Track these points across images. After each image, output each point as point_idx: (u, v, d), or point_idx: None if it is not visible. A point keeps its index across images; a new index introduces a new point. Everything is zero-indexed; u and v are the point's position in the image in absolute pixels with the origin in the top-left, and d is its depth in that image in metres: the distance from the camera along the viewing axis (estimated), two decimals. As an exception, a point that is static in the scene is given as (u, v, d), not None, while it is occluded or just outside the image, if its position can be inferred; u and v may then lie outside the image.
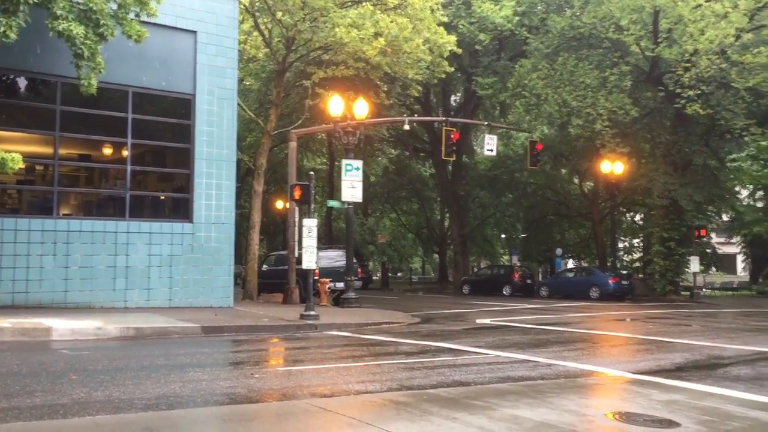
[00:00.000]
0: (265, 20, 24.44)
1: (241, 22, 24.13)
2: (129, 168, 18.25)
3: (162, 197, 20.02)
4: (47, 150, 17.43)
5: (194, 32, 19.18)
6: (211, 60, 19.41)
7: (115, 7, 14.53)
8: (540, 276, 47.19)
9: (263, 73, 29.68)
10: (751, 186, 45.24)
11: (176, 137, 19.36)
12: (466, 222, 44.16)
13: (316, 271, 19.41)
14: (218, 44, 19.54)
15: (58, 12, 13.22)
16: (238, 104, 22.00)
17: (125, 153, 18.29)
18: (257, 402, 7.32)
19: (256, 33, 25.75)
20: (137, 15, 14.98)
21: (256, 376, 8.92)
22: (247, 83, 31.07)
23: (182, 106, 19.15)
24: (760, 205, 46.40)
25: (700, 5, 26.08)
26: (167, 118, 19.30)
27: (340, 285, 23.19)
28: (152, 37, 16.05)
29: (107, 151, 19.11)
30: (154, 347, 11.73)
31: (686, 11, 26.04)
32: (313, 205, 18.21)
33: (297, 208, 22.44)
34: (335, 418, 6.53)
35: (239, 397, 7.48)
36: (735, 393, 8.15)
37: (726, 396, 7.97)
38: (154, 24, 16.49)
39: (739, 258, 57.63)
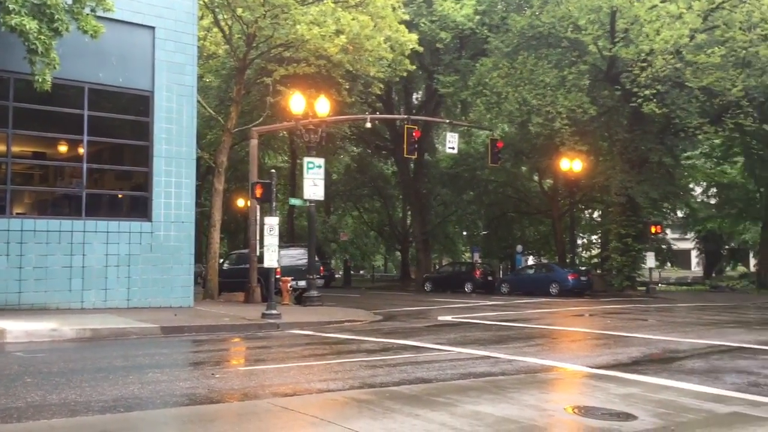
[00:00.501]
0: (225, 16, 24.18)
1: (201, 18, 23.83)
2: (85, 166, 17.90)
3: (120, 196, 19.69)
4: (0, 148, 17.00)
5: (152, 28, 18.88)
6: (170, 56, 19.13)
7: (70, 1, 14.23)
8: (501, 273, 47.66)
9: (223, 70, 29.38)
10: (704, 183, 46.42)
11: (134, 135, 19.05)
12: (428, 219, 44.37)
13: (278, 269, 19.29)
14: (177, 40, 19.27)
15: (11, 6, 12.88)
16: (198, 101, 21.74)
17: (81, 151, 17.93)
18: (218, 402, 7.24)
19: (216, 29, 25.49)
20: (93, 10, 14.69)
21: (217, 376, 8.83)
22: (207, 80, 30.70)
23: (140, 103, 18.84)
24: (713, 201, 47.59)
25: (655, 6, 26.63)
26: (125, 115, 18.97)
27: (302, 283, 23.08)
28: (109, 33, 15.77)
29: (62, 148, 18.70)
30: (112, 348, 11.53)
31: (642, 12, 26.56)
32: (274, 204, 18.09)
33: (258, 207, 22.25)
34: (297, 418, 6.51)
35: (200, 397, 7.40)
36: (690, 386, 8.35)
37: (681, 389, 8.16)
38: (111, 19, 16.21)
39: (693, 253, 59.07)
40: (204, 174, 37.36)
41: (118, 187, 19.77)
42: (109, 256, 17.74)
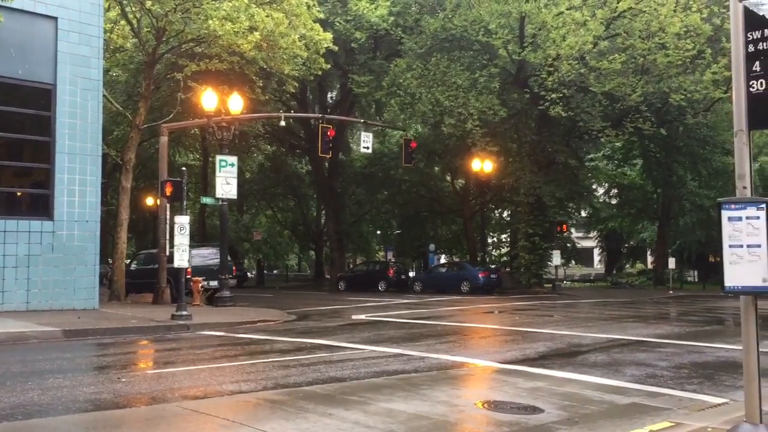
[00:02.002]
0: (134, 9, 23.39)
1: (107, 9, 22.96)
2: (-20, 162, 16.95)
3: (18, 193, 18.72)
4: None
5: (55, 18, 18.08)
6: (74, 48, 18.36)
7: (-37, -13, 13.44)
8: (414, 271, 48.25)
9: (131, 64, 28.40)
10: (606, 184, 48.54)
11: (35, 130, 18.16)
12: (342, 219, 44.39)
13: (189, 269, 18.86)
14: (82, 32, 18.51)
15: None
16: (104, 96, 20.96)
17: (-24, 145, 16.97)
18: (124, 407, 7.02)
19: (123, 22, 24.60)
20: (-11, -3, 13.93)
21: (124, 380, 8.56)
22: (114, 74, 29.62)
23: (41, 97, 17.99)
24: (614, 202, 49.80)
25: (562, 13, 27.61)
26: (24, 109, 18.06)
27: (214, 283, 22.64)
28: (8, 22, 15.02)
29: (-45, 143, 17.65)
30: (10, 354, 10.96)
31: (549, 18, 27.50)
32: (185, 202, 17.68)
33: (168, 205, 21.68)
34: (208, 420, 6.40)
35: (105, 402, 7.15)
36: (593, 378, 8.73)
37: (585, 381, 8.52)
38: (10, 8, 15.41)
39: (596, 251, 61.63)
40: (110, 171, 36.02)
41: (17, 185, 18.80)
42: (6, 256, 16.85)
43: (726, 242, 5.50)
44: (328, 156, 30.69)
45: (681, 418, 6.47)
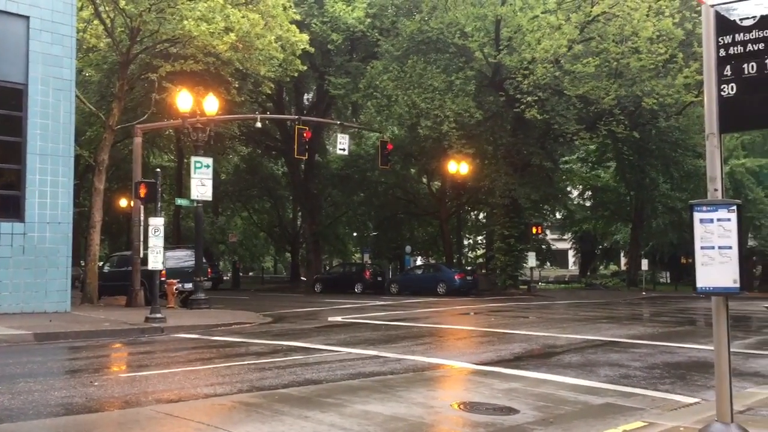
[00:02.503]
0: (107, 8, 23.12)
1: (80, 9, 22.66)
2: (-51, 162, 16.63)
3: (-12, 194, 18.40)
4: None
5: (27, 17, 17.81)
6: (46, 48, 18.11)
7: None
8: (390, 273, 48.28)
9: (105, 64, 28.06)
10: (580, 186, 48.98)
11: (5, 130, 17.84)
12: (318, 220, 44.27)
13: (163, 271, 18.68)
14: (54, 31, 18.27)
15: None
16: (77, 96, 20.69)
17: (-56, 146, 16.65)
18: (97, 411, 6.93)
19: (96, 21, 24.29)
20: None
21: (96, 384, 8.45)
22: (87, 74, 29.25)
23: (12, 97, 17.70)
24: (588, 204, 50.28)
25: (537, 16, 27.84)
26: (-6, 109, 17.77)
27: (189, 286, 22.46)
28: (-24, 20, 14.73)
29: None
30: (-21, 358, 10.77)
31: (524, 21, 27.70)
32: (159, 204, 17.51)
33: (142, 207, 21.47)
34: (182, 424, 6.34)
35: (77, 407, 7.05)
36: (567, 379, 8.80)
37: (559, 382, 8.59)
38: (-21, 6, 15.15)
39: (571, 253, 62.15)
40: (83, 173, 35.58)
41: (-13, 186, 18.49)
42: (-25, 259, 16.56)
43: (698, 244, 5.58)
44: (304, 158, 30.64)
45: (654, 417, 6.55)
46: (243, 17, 21.60)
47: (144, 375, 9.18)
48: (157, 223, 16.68)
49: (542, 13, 27.84)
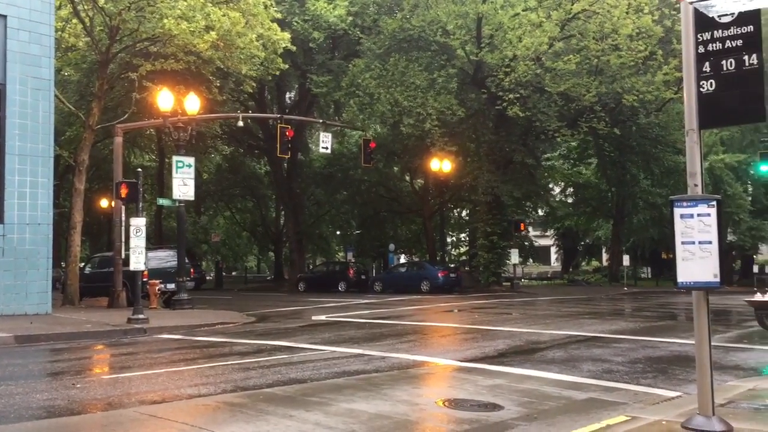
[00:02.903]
0: (86, 7, 22.90)
1: (59, 8, 22.43)
2: (-75, 163, 16.39)
3: (-34, 196, 18.16)
4: None
5: (4, 16, 17.61)
6: (24, 47, 17.90)
7: None
8: (374, 271, 48.29)
9: (84, 63, 27.78)
10: (562, 183, 49.29)
11: (-17, 130, 17.64)
12: (301, 219, 44.17)
13: (145, 272, 18.55)
14: (32, 30, 18.06)
15: None
16: (56, 96, 20.48)
17: None
18: (80, 414, 6.87)
19: (75, 20, 24.05)
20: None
21: (78, 386, 8.37)
22: (66, 73, 28.93)
23: (-10, 97, 17.49)
24: (570, 200, 50.59)
25: (518, 14, 27.95)
26: (-28, 109, 17.55)
27: (172, 286, 22.33)
28: (-48, 19, 14.52)
29: None
30: (-41, 361, 10.63)
31: (506, 19, 27.80)
32: (141, 204, 17.38)
33: (123, 207, 21.30)
34: (166, 425, 6.30)
35: (59, 409, 6.99)
36: (551, 375, 8.85)
37: (543, 378, 8.64)
38: (-45, 4, 14.94)
39: (553, 250, 62.56)
40: (63, 173, 35.22)
41: (-35, 187, 18.25)
42: (-46, 261, 16.36)
43: (678, 239, 5.63)
44: (286, 156, 30.53)
45: (637, 411, 6.61)
46: (224, 16, 21.48)
47: (127, 376, 9.11)
48: (139, 223, 16.56)
49: (523, 10, 27.95)
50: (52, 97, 18.78)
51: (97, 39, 23.27)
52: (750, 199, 41.42)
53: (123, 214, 21.48)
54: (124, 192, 17.29)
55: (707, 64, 5.68)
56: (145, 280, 19.07)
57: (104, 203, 40.44)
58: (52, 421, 6.54)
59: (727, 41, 5.61)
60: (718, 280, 5.51)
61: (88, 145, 23.29)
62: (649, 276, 51.66)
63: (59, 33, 22.93)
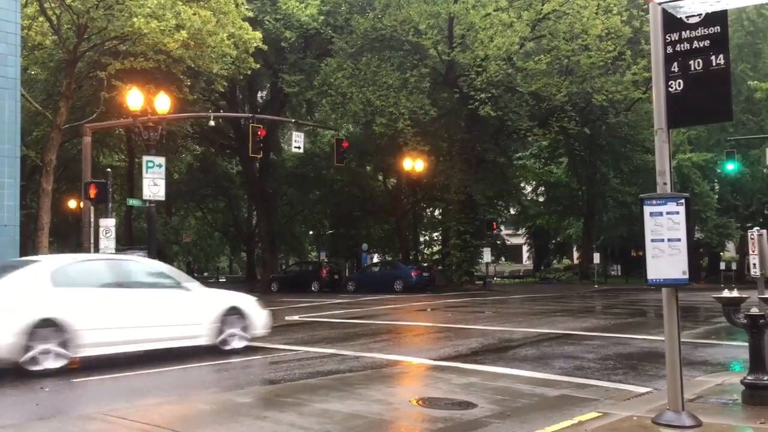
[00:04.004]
0: (53, 5, 22.53)
1: (24, 5, 22.03)
2: None
3: (-71, 197, 17.75)
4: None
5: (-33, 13, 17.21)
6: (-11, 45, 17.52)
7: None
8: (347, 271, 48.23)
9: (51, 62, 27.33)
10: (534, 182, 49.70)
11: (-54, 130, 17.25)
12: (274, 219, 43.94)
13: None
14: (-3, 28, 17.68)
15: None
16: (23, 95, 20.10)
17: None
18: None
19: (42, 18, 23.67)
20: None
21: (47, 389, 8.23)
22: (33, 72, 28.44)
23: (-47, 95, 17.10)
24: (541, 199, 51.02)
25: (489, 14, 28.12)
26: (-66, 108, 17.14)
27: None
28: None
29: None
30: None
31: (477, 19, 27.96)
32: (110, 204, 17.17)
33: (93, 208, 20.98)
34: (138, 428, 6.22)
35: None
36: (523, 372, 8.92)
37: (516, 375, 8.70)
38: None
39: (525, 248, 63.00)
40: (30, 174, 34.50)
41: (-72, 188, 17.82)
42: None
43: (648, 237, 5.71)
44: (258, 156, 30.32)
45: (608, 408, 6.68)
46: (194, 14, 21.30)
47: (85, 381, 8.93)
48: (108, 224, 16.36)
49: (494, 11, 28.13)
50: (18, 96, 18.41)
51: (64, 37, 22.91)
52: (716, 197, 42.14)
53: (92, 215, 21.16)
54: (93, 192, 17.08)
55: (675, 64, 5.76)
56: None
57: (73, 204, 39.83)
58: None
59: (695, 41, 5.70)
60: (687, 277, 5.59)
61: (55, 145, 22.94)
62: (619, 273, 52.29)
63: (25, 31, 22.52)
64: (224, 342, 11.04)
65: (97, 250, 17.70)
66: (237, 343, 11.21)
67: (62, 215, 42.35)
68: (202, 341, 10.74)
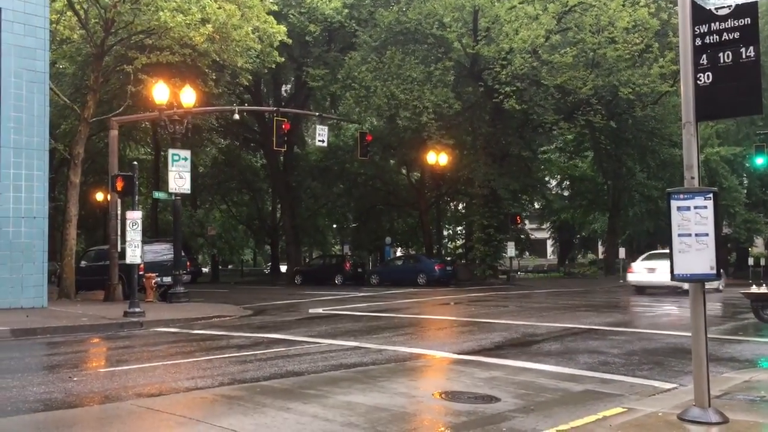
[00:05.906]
0: (81, -1, 22.80)
1: (53, 0, 22.32)
2: None
3: (-39, 189, 18.11)
4: None
5: (-2, 9, 17.51)
6: (19, 40, 17.81)
7: None
8: (370, 265, 48.31)
9: (79, 56, 27.65)
10: (558, 176, 49.32)
11: (-22, 123, 17.58)
12: (297, 213, 44.14)
13: (141, 265, 18.53)
14: (26, 23, 17.98)
15: None
16: (51, 89, 20.39)
17: None
18: (76, 407, 6.87)
19: (70, 12, 23.95)
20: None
21: (75, 379, 8.37)
22: (61, 66, 28.81)
23: (-16, 90, 17.41)
24: (566, 193, 50.63)
25: (514, 6, 27.91)
26: (-34, 102, 17.47)
27: (168, 279, 22.30)
28: (-54, 11, 14.44)
29: None
30: (-45, 355, 10.62)
31: (502, 11, 27.77)
32: (137, 197, 17.36)
33: (119, 201, 21.26)
34: (163, 418, 6.30)
35: (56, 402, 6.99)
36: (547, 367, 8.87)
37: (539, 370, 8.66)
38: (-51, -3, 14.86)
39: (549, 242, 62.62)
40: (58, 166, 35.09)
41: (-40, 180, 18.19)
42: (-51, 255, 16.32)
43: (675, 231, 5.64)
44: (282, 150, 30.46)
45: (633, 403, 6.63)
46: (219, 8, 21.40)
47: (124, 369, 9.11)
48: (135, 216, 16.53)
49: (520, 3, 27.91)
50: (47, 89, 18.71)
51: (92, 31, 23.16)
52: (745, 191, 41.52)
53: (119, 208, 21.44)
54: (119, 185, 17.26)
55: (704, 56, 5.68)
56: (141, 273, 19.04)
57: (100, 196, 40.34)
58: (49, 414, 6.54)
59: (725, 33, 5.61)
60: (714, 272, 5.53)
61: (83, 138, 23.22)
62: (645, 269, 51.59)
63: (54, 25, 22.82)
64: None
65: (123, 242, 17.91)
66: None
67: (90, 207, 42.98)
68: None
